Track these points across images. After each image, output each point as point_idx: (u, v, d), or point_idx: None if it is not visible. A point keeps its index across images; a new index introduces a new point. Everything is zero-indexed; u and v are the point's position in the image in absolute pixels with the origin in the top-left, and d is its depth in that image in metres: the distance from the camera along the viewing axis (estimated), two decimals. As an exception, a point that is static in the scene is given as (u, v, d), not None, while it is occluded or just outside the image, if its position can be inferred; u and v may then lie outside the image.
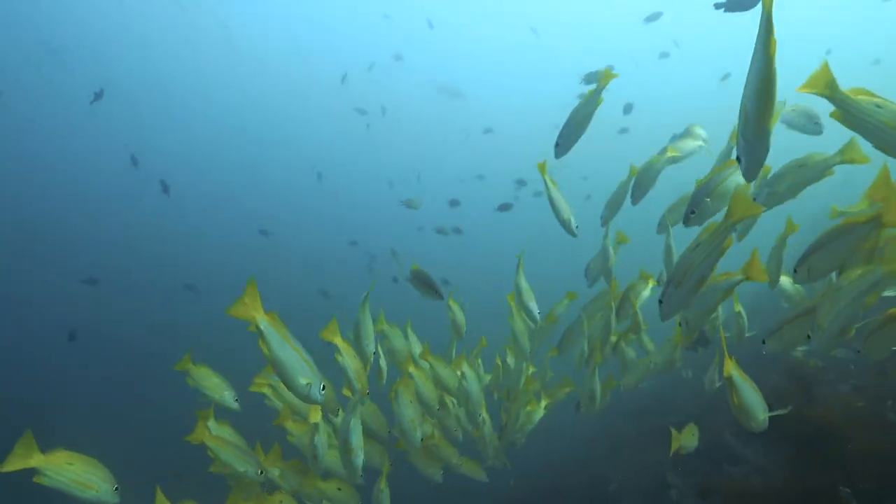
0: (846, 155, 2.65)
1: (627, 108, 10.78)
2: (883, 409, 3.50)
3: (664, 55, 15.57)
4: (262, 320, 2.18)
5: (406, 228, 18.30)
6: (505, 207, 10.33)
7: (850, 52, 15.59)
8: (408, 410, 3.24)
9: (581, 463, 6.51)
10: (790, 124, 3.41)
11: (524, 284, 3.95)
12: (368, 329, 3.31)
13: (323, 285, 14.48)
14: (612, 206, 3.86)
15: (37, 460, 2.35)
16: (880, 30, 20.00)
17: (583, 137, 3.19)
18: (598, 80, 3.02)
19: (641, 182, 3.66)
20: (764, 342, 2.85)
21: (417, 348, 3.99)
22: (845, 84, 2.06)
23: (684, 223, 2.97)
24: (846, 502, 2.95)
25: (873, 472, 3.04)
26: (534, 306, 3.92)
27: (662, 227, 3.73)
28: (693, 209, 2.82)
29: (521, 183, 13.16)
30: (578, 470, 6.38)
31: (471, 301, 4.79)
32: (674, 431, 3.63)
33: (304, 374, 2.26)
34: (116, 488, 2.47)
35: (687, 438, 3.64)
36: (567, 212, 3.42)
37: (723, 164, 2.76)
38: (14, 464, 2.32)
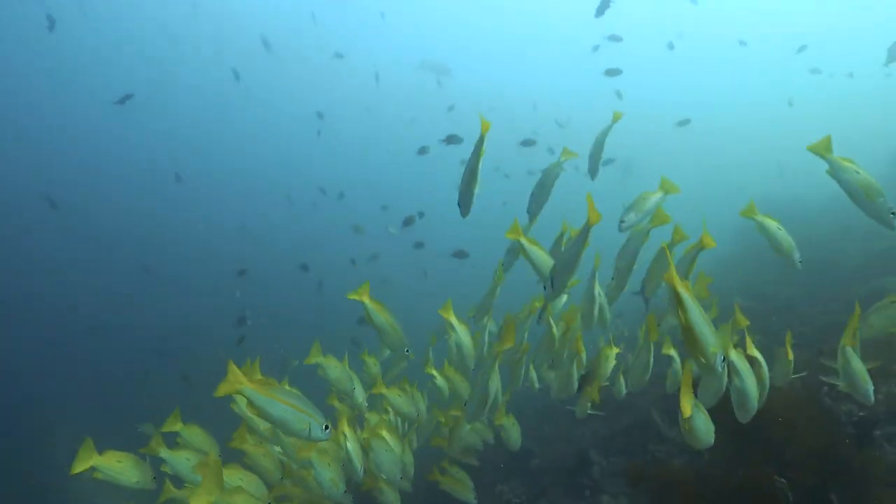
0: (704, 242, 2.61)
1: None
2: (819, 395, 3.18)
3: (671, 46, 14.65)
4: (247, 389, 2.27)
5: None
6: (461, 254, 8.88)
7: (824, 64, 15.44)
8: (326, 472, 3.10)
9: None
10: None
11: (465, 340, 3.64)
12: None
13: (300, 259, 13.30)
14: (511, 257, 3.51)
15: (95, 461, 2.77)
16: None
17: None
18: (481, 132, 2.65)
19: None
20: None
21: (356, 385, 3.60)
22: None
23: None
24: (781, 493, 2.60)
25: (810, 465, 2.70)
26: (470, 363, 3.64)
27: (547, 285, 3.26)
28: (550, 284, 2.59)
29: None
30: (501, 443, 5.98)
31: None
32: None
33: (300, 421, 2.35)
34: (154, 477, 2.92)
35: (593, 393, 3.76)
36: (547, 267, 3.00)
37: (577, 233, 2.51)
38: (80, 466, 2.74)
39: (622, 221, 3.18)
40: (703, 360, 1.97)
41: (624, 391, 3.82)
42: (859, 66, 15.16)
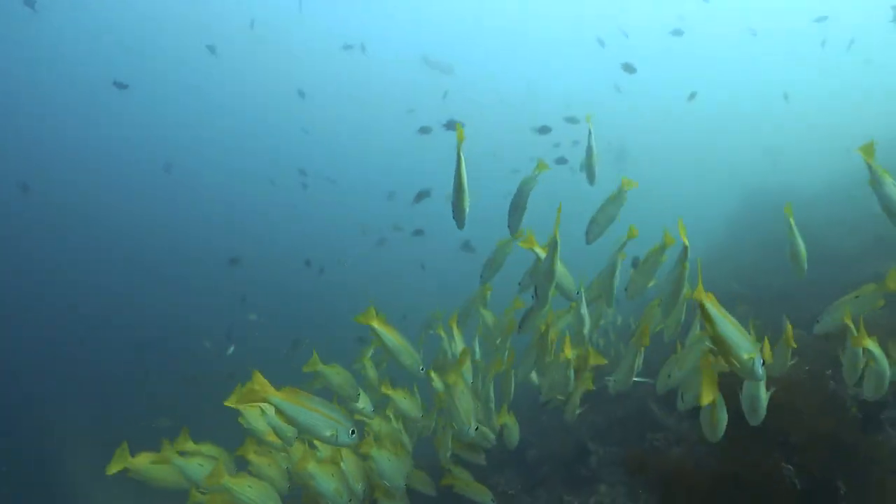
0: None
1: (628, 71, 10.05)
2: (824, 380, 3.02)
3: (677, 33, 14.04)
4: (275, 398, 2.22)
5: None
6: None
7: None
8: (329, 483, 2.96)
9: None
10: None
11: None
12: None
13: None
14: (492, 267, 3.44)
15: (130, 463, 2.79)
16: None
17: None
18: (457, 135, 2.64)
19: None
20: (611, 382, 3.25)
21: (361, 393, 3.47)
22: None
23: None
24: (788, 480, 2.45)
25: (816, 451, 2.54)
26: (469, 376, 3.58)
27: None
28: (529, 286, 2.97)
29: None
30: (499, 438, 5.83)
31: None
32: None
33: (327, 427, 2.33)
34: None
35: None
36: (566, 279, 3.03)
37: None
38: (115, 467, 2.75)
39: (587, 234, 3.15)
40: (738, 366, 1.94)
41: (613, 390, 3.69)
42: (861, 55, 14.93)
